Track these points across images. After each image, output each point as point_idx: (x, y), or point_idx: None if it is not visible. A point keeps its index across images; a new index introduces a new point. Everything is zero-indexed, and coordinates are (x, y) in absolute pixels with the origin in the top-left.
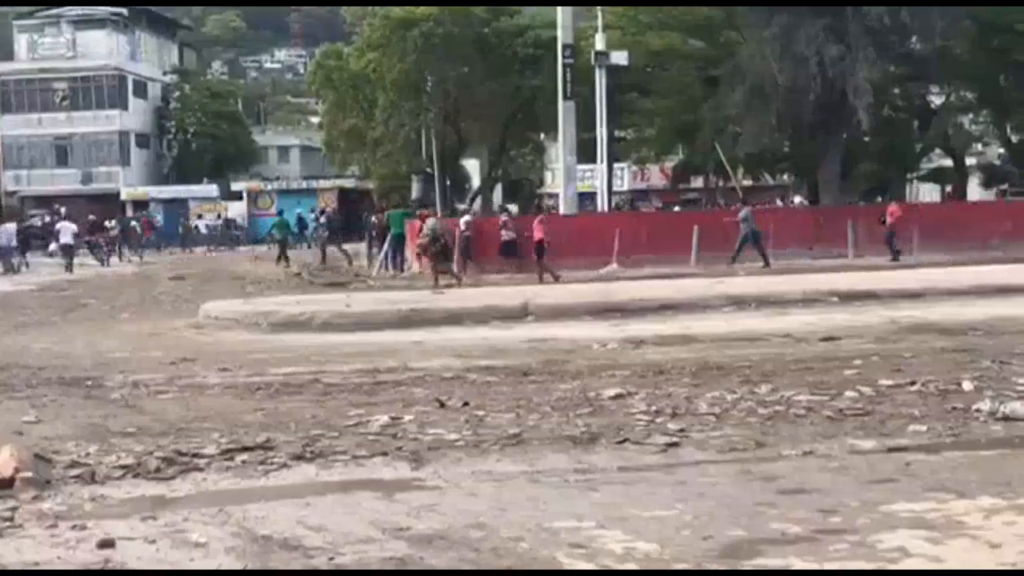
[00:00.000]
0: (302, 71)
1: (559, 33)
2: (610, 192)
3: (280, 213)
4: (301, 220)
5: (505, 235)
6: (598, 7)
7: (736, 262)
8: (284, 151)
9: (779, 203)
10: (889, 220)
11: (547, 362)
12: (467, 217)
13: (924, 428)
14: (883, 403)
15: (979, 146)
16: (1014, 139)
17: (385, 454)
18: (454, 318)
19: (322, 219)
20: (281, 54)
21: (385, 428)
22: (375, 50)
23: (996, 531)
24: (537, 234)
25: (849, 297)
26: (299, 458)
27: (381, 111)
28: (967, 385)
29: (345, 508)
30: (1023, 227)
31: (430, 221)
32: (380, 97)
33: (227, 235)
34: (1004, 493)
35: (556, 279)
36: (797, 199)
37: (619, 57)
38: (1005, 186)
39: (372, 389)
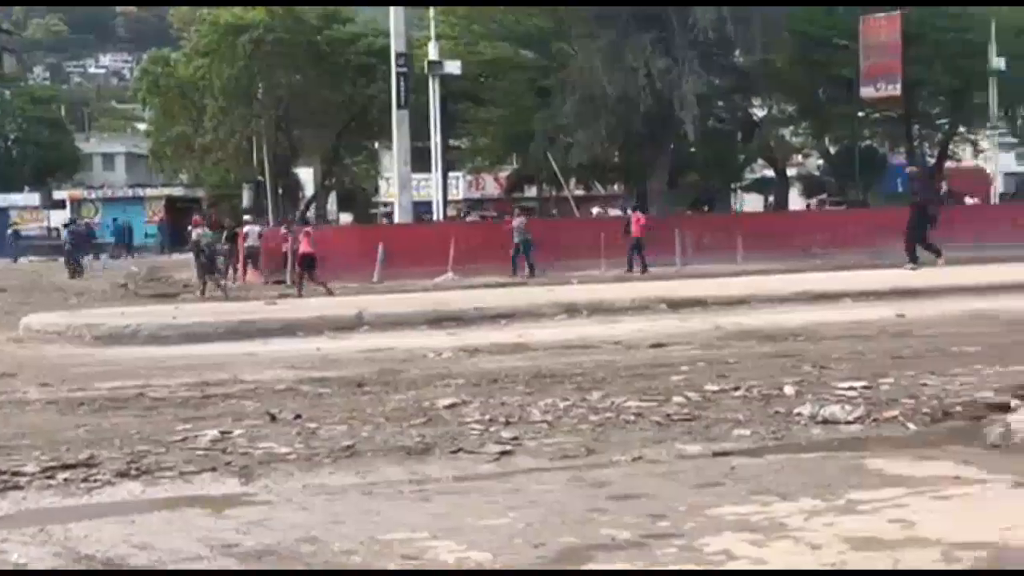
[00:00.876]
0: (128, 76)
1: (392, 42)
2: (445, 201)
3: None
4: (123, 229)
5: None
6: (431, 17)
7: (517, 273)
8: (109, 158)
9: (621, 212)
10: (634, 229)
11: (381, 372)
12: (256, 228)
13: (748, 432)
14: (709, 408)
15: (799, 157)
16: (832, 150)
17: (214, 469)
18: (287, 329)
19: (64, 233)
20: (106, 59)
21: (214, 443)
22: (204, 56)
23: (817, 532)
24: (303, 247)
25: (678, 304)
26: (124, 475)
27: (211, 118)
28: (789, 390)
29: (172, 525)
30: (842, 235)
31: (197, 231)
32: (209, 104)
33: (54, 245)
34: (824, 495)
35: (329, 293)
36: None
37: (452, 67)
38: (824, 196)
39: (200, 403)
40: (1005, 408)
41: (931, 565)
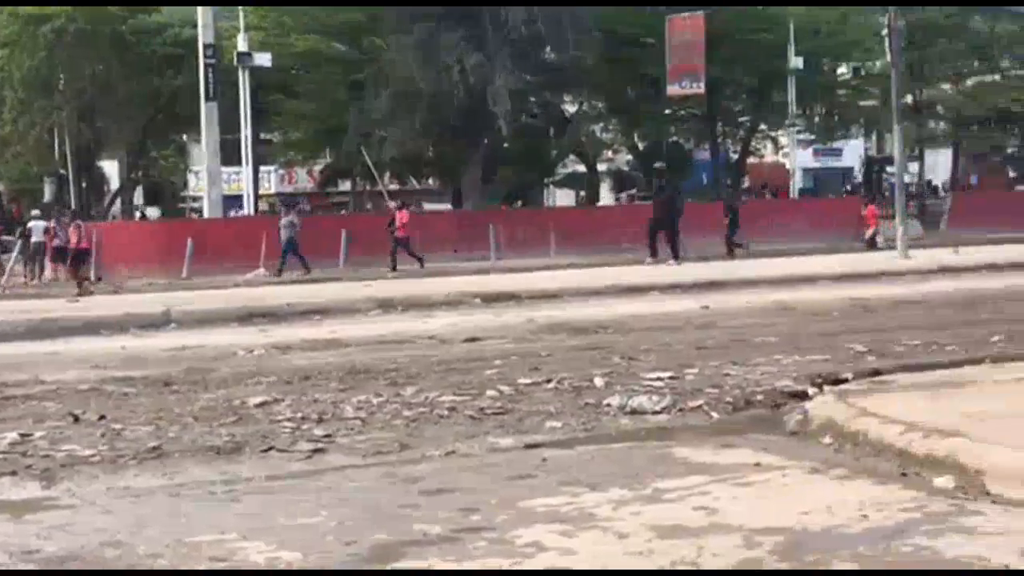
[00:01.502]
0: None
1: (200, 32)
2: (256, 195)
3: None
4: None
5: (60, 240)
6: (240, 8)
7: (283, 272)
8: None
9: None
10: (399, 227)
11: (190, 371)
12: (42, 223)
13: (560, 424)
14: (522, 401)
15: (610, 153)
16: (641, 146)
17: (14, 473)
18: (90, 327)
19: None
20: None
21: (14, 446)
22: (3, 47)
23: (625, 521)
24: (72, 242)
25: (491, 298)
26: None
27: (9, 110)
28: (599, 381)
29: None
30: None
31: None
32: (8, 95)
33: None
34: (632, 484)
35: (88, 293)
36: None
37: (262, 59)
38: (633, 191)
39: None
40: (803, 396)
41: (733, 550)
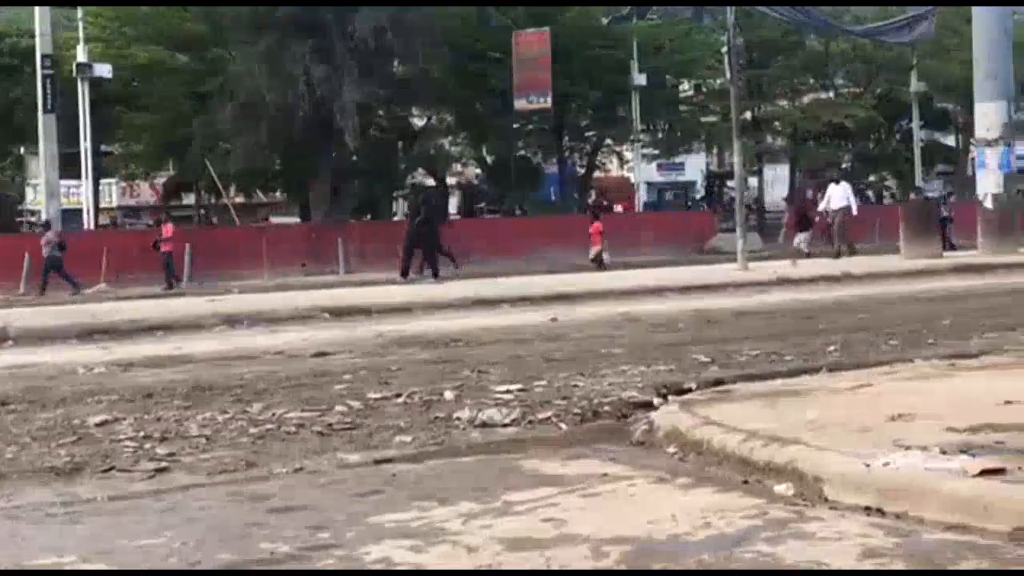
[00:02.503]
0: None
1: (38, 42)
2: (97, 209)
3: None
4: None
5: None
6: (79, 18)
7: (45, 292)
8: None
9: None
10: (163, 244)
11: (27, 389)
12: None
13: (409, 439)
14: (371, 416)
15: (459, 166)
16: (490, 160)
17: None
18: None
19: None
20: None
21: None
22: None
23: (474, 535)
24: None
25: (341, 312)
26: None
27: None
28: (449, 395)
29: None
30: (500, 243)
31: None
32: None
33: None
34: (481, 497)
35: None
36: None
37: (102, 70)
38: (483, 204)
39: None
40: (649, 406)
41: (581, 561)
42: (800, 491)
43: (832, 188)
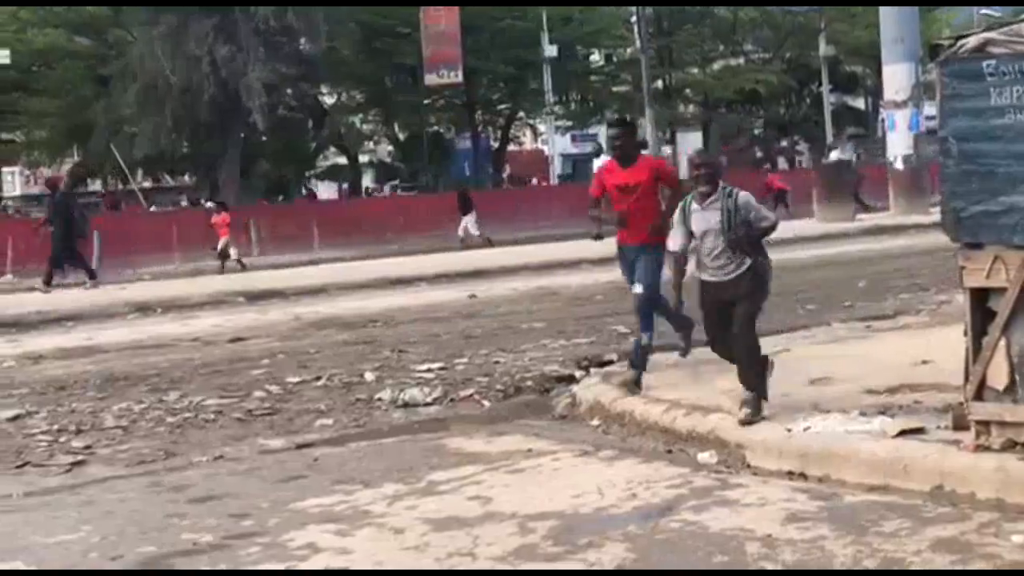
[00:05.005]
0: None
1: None
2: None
3: None
4: None
5: None
6: None
7: None
8: None
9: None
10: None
11: None
12: None
13: (331, 422)
14: (291, 400)
15: (371, 144)
16: (401, 137)
17: None
18: None
19: None
20: None
21: None
22: None
23: (400, 516)
24: None
25: (256, 296)
26: None
27: None
28: (369, 376)
29: None
30: (414, 221)
31: None
32: None
33: None
34: (406, 478)
35: None
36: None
37: None
38: (396, 181)
39: None
40: (571, 379)
41: (508, 538)
42: (723, 459)
43: None
